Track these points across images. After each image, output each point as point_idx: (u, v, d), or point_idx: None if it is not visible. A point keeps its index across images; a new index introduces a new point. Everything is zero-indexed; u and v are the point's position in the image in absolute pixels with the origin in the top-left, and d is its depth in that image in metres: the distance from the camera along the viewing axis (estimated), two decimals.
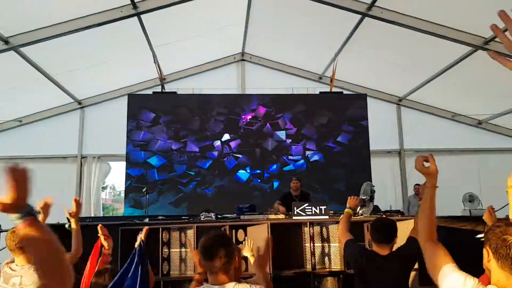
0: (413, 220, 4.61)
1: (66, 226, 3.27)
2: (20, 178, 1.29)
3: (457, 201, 7.90)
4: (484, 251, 1.62)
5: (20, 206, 1.27)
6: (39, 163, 9.18)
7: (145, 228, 2.94)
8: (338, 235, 3.00)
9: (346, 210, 3.46)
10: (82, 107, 9.63)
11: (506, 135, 10.34)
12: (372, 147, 9.17)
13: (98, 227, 3.17)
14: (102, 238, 3.13)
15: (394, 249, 3.02)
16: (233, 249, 2.33)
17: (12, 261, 2.85)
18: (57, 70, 8.03)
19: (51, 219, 3.67)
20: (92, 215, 8.72)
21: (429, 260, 1.80)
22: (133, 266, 2.60)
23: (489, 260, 1.58)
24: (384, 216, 5.16)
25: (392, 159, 10.40)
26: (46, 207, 3.09)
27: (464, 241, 5.14)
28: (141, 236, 2.84)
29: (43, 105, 9.27)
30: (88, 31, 6.89)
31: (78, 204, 3.22)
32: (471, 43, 6.96)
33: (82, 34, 6.92)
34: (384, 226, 3.06)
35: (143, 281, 2.56)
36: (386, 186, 9.71)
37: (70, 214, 3.18)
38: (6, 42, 6.56)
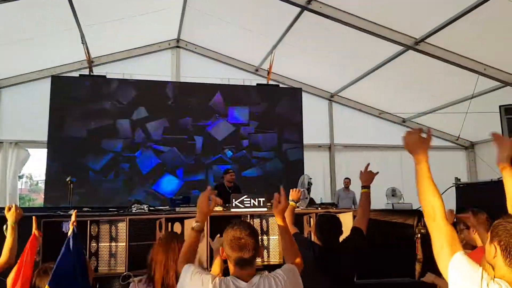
0: (350, 213, 4.73)
1: (4, 228, 2.96)
2: None
3: (381, 195, 8.28)
4: (490, 246, 1.53)
5: None
6: None
7: (74, 212, 2.71)
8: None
9: (289, 203, 3.39)
10: None
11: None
12: (305, 141, 9.30)
13: (34, 219, 2.88)
14: (36, 232, 2.87)
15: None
16: (259, 241, 2.19)
17: None
18: None
19: None
20: None
21: (437, 242, 1.59)
22: (71, 255, 2.41)
23: (495, 256, 1.50)
24: (320, 208, 5.21)
25: (323, 153, 10.65)
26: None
27: (397, 232, 5.40)
28: (72, 221, 2.59)
29: None
30: (13, 3, 6.24)
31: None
32: (403, 42, 7.24)
33: (5, 6, 6.26)
34: (330, 225, 3.04)
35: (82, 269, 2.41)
36: (317, 180, 9.91)
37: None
38: None
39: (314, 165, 10.04)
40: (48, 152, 7.92)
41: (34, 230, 2.88)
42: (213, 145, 8.75)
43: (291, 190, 3.39)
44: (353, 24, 7.10)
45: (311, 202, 5.87)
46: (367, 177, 3.18)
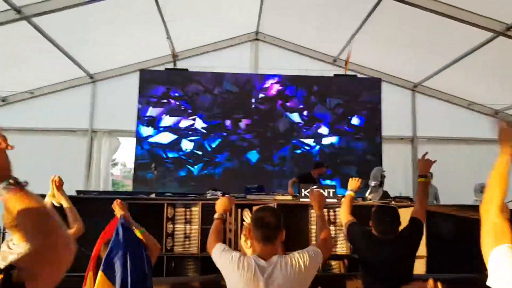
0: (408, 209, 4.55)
1: (56, 204, 3.17)
2: None
3: (469, 191, 7.79)
4: None
5: (2, 176, 1.23)
6: (50, 135, 9.25)
7: (116, 202, 2.89)
8: (339, 217, 2.93)
9: (347, 193, 3.38)
10: (93, 81, 9.59)
11: None
12: (385, 133, 9.03)
13: (115, 204, 2.97)
14: (118, 214, 2.97)
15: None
16: (282, 223, 2.43)
17: (11, 239, 2.80)
18: (70, 42, 7.98)
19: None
20: (101, 190, 8.76)
21: (484, 232, 1.54)
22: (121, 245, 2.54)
23: None
24: (393, 202, 5.08)
25: (404, 146, 10.24)
26: (58, 185, 3.11)
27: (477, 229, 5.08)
28: (121, 214, 2.76)
29: (56, 78, 9.25)
30: (102, 2, 6.81)
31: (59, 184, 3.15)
32: (492, 28, 6.73)
33: (96, 6, 6.85)
34: (388, 216, 2.99)
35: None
36: (397, 173, 9.57)
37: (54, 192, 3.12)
38: (18, 11, 6.51)
39: (395, 158, 9.70)
40: (136, 141, 8.59)
41: (117, 212, 2.97)
42: (286, 134, 8.86)
43: (350, 179, 3.38)
44: (437, 10, 6.74)
45: (385, 195, 5.72)
46: (424, 165, 3.10)
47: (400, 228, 2.96)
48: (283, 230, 2.41)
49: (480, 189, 7.77)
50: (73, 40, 7.94)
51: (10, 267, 1.08)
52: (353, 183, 3.29)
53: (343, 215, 3.10)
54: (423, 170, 3.17)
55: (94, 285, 2.50)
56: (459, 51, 8.06)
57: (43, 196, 3.19)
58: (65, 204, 3.10)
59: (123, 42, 8.47)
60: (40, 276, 1.10)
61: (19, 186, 1.23)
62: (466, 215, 5.38)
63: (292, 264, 2.25)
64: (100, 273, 2.39)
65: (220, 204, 2.77)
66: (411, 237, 2.86)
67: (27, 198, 1.22)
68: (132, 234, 2.64)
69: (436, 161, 3.24)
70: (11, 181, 1.22)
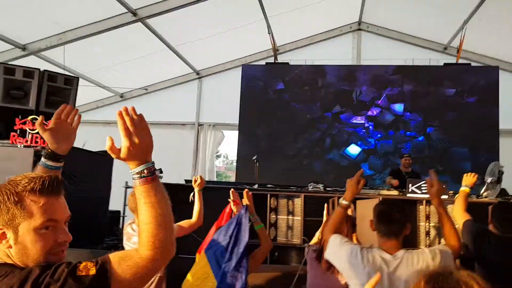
0: None
1: (191, 196, 3.38)
2: (139, 124, 1.30)
3: None
4: None
5: (143, 159, 1.26)
6: (162, 128, 9.93)
7: (231, 191, 2.96)
8: (453, 215, 2.72)
9: (462, 189, 3.12)
10: (200, 77, 10.11)
11: None
12: (502, 125, 8.24)
13: (231, 192, 3.10)
14: (232, 203, 3.10)
15: None
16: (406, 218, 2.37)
17: (134, 222, 3.02)
18: (178, 41, 8.49)
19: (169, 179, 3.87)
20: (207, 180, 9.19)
21: None
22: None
23: None
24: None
25: None
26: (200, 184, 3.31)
27: None
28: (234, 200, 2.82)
29: (166, 75, 9.92)
30: (207, 2, 7.12)
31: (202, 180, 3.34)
32: None
33: (201, 5, 7.18)
34: (507, 213, 2.72)
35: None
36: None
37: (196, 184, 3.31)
38: (134, 14, 7.07)
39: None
40: (239, 134, 8.88)
41: (231, 200, 3.14)
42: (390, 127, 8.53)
43: (464, 175, 3.14)
44: None
45: (503, 193, 5.23)
46: None
47: None
48: (408, 224, 2.31)
49: None
50: (181, 39, 8.43)
51: (105, 264, 1.15)
52: (469, 178, 3.04)
53: (459, 213, 2.87)
54: None
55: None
56: None
57: (169, 185, 3.43)
58: (197, 196, 3.29)
59: (226, 39, 8.78)
60: (126, 284, 1.16)
61: (152, 176, 1.25)
62: None
63: (419, 260, 2.14)
64: (202, 253, 2.48)
65: (349, 187, 2.49)
66: None
67: (158, 189, 1.25)
68: (246, 226, 2.67)
69: None
70: (145, 171, 1.25)
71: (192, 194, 3.36)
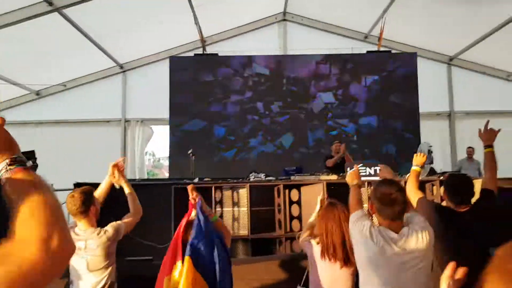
0: (479, 180, 4.38)
1: (116, 186, 3.17)
2: None
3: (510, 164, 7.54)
4: None
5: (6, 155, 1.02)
6: (84, 126, 9.35)
7: (190, 187, 2.69)
8: (408, 195, 2.79)
9: (413, 168, 3.22)
10: (124, 71, 9.62)
11: None
12: (421, 109, 8.78)
13: (189, 188, 2.69)
14: (192, 201, 2.72)
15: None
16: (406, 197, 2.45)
17: (75, 226, 2.78)
18: (99, 33, 7.97)
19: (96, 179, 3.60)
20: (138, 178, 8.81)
21: None
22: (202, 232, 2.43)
23: None
24: (441, 178, 4.91)
25: (441, 122, 9.97)
26: (119, 169, 3.10)
27: None
28: (191, 197, 2.61)
29: (87, 70, 9.31)
30: None
31: (119, 168, 3.12)
32: None
33: None
34: (464, 185, 2.84)
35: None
36: (434, 149, 9.29)
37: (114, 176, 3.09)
38: (50, 3, 6.51)
39: (431, 134, 9.44)
40: (170, 128, 8.58)
41: (191, 198, 2.74)
42: (320, 115, 8.74)
43: (415, 154, 3.22)
44: None
45: (432, 172, 5.55)
46: (489, 135, 2.95)
47: (473, 200, 2.81)
48: (409, 201, 2.39)
49: None
50: (102, 30, 7.92)
51: None
52: (419, 158, 3.12)
53: (413, 192, 2.93)
54: (488, 140, 3.03)
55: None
56: (498, 20, 7.73)
57: (97, 184, 3.18)
58: (126, 188, 3.09)
59: (151, 30, 8.42)
60: None
61: (21, 166, 1.02)
62: None
63: (421, 237, 2.24)
64: (186, 258, 2.28)
65: (352, 176, 2.78)
66: (485, 211, 2.71)
67: (31, 177, 1.01)
68: (210, 221, 2.53)
69: (500, 130, 3.09)
70: (8, 161, 1.01)
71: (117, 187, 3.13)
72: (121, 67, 9.52)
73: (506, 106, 9.54)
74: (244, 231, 4.39)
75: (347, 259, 2.68)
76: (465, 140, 9.40)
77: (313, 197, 4.13)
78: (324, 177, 5.08)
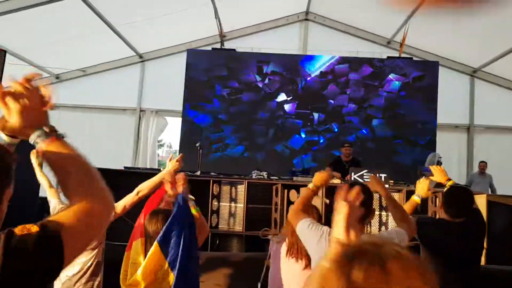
0: (484, 195, 4.26)
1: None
2: (32, 99, 1.09)
3: None
4: None
5: (36, 125, 1.09)
6: (100, 113, 9.46)
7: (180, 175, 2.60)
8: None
9: (413, 197, 2.90)
10: (142, 61, 9.68)
11: None
12: (440, 120, 8.58)
13: (180, 177, 2.56)
14: (168, 185, 2.62)
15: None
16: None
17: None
18: (120, 21, 8.04)
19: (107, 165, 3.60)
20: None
21: None
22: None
23: None
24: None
25: (459, 135, 9.71)
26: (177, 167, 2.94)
27: None
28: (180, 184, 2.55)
29: (106, 57, 9.40)
30: None
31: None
32: None
33: None
34: (461, 197, 2.74)
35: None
36: (451, 162, 9.09)
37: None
38: None
39: (448, 147, 9.22)
40: (182, 121, 8.60)
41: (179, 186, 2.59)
42: (335, 117, 8.62)
43: (417, 181, 2.99)
44: None
45: (440, 184, 5.39)
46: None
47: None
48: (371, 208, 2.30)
49: None
50: (124, 19, 7.98)
51: (47, 221, 0.99)
52: (423, 188, 2.85)
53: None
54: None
55: (144, 253, 2.43)
56: None
57: (107, 170, 3.16)
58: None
59: (171, 22, 8.44)
60: (77, 232, 0.99)
61: (56, 135, 1.10)
62: None
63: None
64: (155, 244, 2.30)
65: (319, 177, 2.63)
66: (477, 225, 2.62)
67: (66, 146, 1.10)
68: (190, 212, 2.50)
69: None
70: (45, 129, 1.09)
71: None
72: (140, 56, 9.59)
73: None
74: (239, 227, 4.36)
75: (310, 260, 2.60)
76: (483, 155, 9.16)
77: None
78: None
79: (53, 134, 1.10)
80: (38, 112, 1.09)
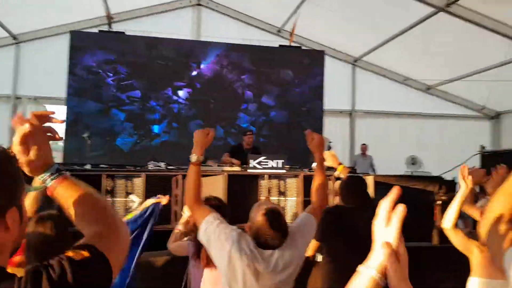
0: (371, 177, 4.63)
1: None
2: (43, 136, 1.15)
3: (401, 163, 8.14)
4: None
5: (47, 164, 1.14)
6: None
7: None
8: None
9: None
10: (17, 43, 8.70)
11: (452, 101, 10.60)
12: (326, 106, 9.12)
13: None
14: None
15: None
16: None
17: None
18: None
19: None
20: None
21: None
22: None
23: None
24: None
25: (343, 119, 10.44)
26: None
27: (416, 198, 5.29)
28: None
29: None
30: None
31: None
32: (434, 4, 6.87)
33: None
34: (358, 187, 2.93)
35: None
36: (336, 145, 9.72)
37: None
38: None
39: (334, 131, 9.84)
40: (67, 109, 7.93)
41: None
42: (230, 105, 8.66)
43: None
44: None
45: (330, 168, 5.73)
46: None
47: None
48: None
49: (412, 161, 8.21)
50: None
51: (86, 245, 1.01)
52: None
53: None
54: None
55: None
56: (401, 25, 8.20)
57: None
58: None
59: (52, 1, 7.71)
60: (111, 254, 1.03)
61: (63, 175, 1.15)
62: (404, 184, 5.57)
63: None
64: None
65: (197, 139, 2.22)
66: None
67: (75, 184, 1.15)
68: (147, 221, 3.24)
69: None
70: (55, 168, 1.14)
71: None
72: (15, 38, 8.60)
73: (400, 108, 10.28)
74: None
75: None
76: (363, 137, 9.99)
77: (213, 189, 4.04)
78: (227, 168, 5.02)
79: (61, 173, 1.15)
80: (44, 151, 1.14)
